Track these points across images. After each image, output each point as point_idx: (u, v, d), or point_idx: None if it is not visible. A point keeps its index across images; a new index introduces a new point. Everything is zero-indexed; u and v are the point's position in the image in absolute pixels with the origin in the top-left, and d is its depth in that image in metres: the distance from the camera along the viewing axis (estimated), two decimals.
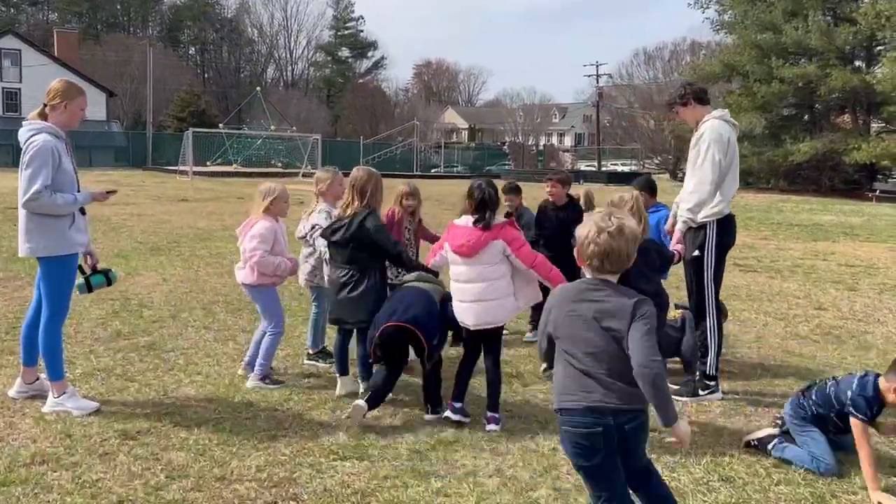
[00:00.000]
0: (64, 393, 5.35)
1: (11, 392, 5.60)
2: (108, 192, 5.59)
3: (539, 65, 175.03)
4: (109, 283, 5.81)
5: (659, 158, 71.21)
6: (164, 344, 7.22)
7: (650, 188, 7.14)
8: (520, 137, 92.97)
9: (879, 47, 42.94)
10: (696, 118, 6.07)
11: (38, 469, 4.43)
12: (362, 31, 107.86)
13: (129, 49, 73.15)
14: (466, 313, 5.21)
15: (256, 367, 6.04)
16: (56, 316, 5.34)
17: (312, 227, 6.38)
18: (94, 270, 5.71)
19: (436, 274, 5.82)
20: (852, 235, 19.65)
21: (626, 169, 64.94)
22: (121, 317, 8.21)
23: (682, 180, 38.68)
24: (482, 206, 5.18)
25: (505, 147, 77.59)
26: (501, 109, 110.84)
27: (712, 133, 5.83)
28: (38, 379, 5.63)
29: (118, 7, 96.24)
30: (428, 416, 5.37)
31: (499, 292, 5.17)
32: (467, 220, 5.26)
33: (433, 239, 7.89)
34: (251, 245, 5.94)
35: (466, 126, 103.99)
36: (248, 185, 35.38)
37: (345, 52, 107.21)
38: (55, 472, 4.41)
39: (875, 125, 44.05)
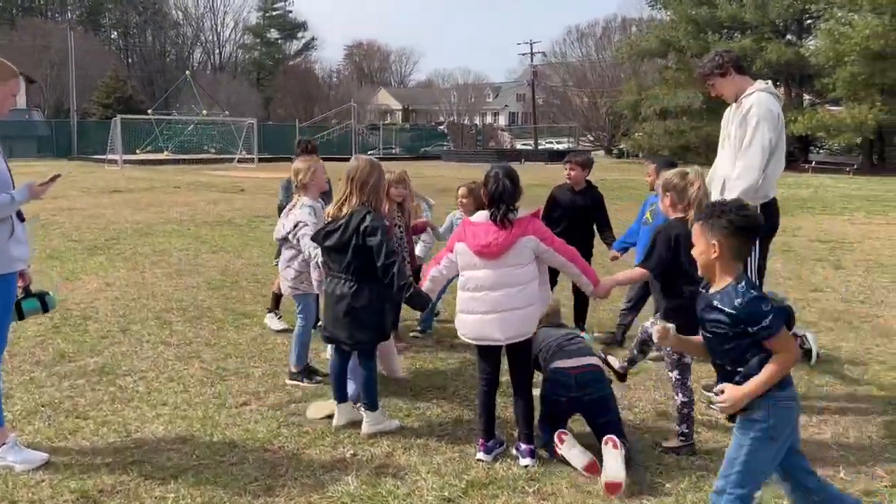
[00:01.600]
0: (4, 444, 4.33)
1: None
2: (49, 182, 4.54)
3: (470, 44, 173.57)
4: (46, 309, 4.71)
5: (593, 136, 71.34)
6: (118, 366, 6.16)
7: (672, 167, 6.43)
8: (455, 117, 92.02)
9: (809, 20, 43.33)
10: (736, 91, 5.30)
11: None
12: (291, 11, 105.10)
13: (48, 34, 69.82)
14: (491, 326, 4.35)
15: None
16: None
17: (295, 226, 5.47)
18: (28, 293, 4.66)
19: (428, 300, 4.89)
20: (807, 209, 19.48)
21: (562, 147, 64.75)
22: (62, 333, 7.10)
23: (618, 156, 38.74)
24: (497, 198, 4.35)
25: (443, 127, 76.57)
26: (434, 90, 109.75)
27: (760, 108, 5.08)
28: None
29: None
30: (526, 463, 4.40)
31: (529, 298, 4.36)
32: (485, 215, 4.42)
33: (422, 229, 7.00)
34: None
35: (400, 107, 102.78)
36: (181, 172, 33.90)
37: (273, 34, 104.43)
38: None
39: (807, 97, 44.44)
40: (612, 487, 4.02)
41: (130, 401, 5.39)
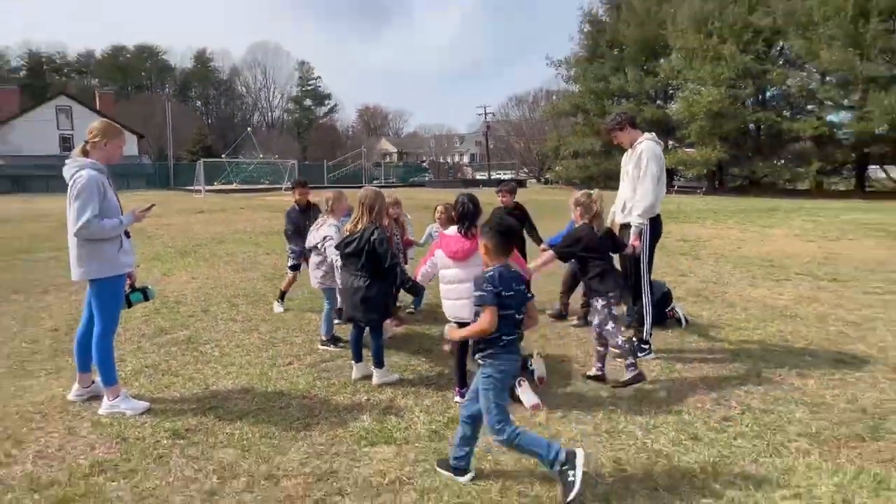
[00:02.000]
0: (118, 396, 4.15)
1: (70, 395, 4.35)
2: (147, 209, 4.33)
3: (444, 106, 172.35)
4: (147, 299, 4.51)
5: (527, 169, 71.48)
6: (200, 337, 5.94)
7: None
8: (434, 157, 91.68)
9: (672, 91, 43.46)
10: (631, 140, 5.19)
11: (97, 480, 3.26)
12: (320, 86, 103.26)
13: (153, 104, 68.42)
14: (463, 309, 4.17)
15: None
16: (107, 332, 4.12)
17: (324, 238, 5.26)
18: (133, 289, 4.46)
19: (422, 289, 4.68)
20: (673, 218, 19.27)
21: (507, 176, 64.81)
22: (161, 313, 6.86)
23: (545, 183, 38.38)
24: (463, 217, 4.22)
25: (425, 164, 76.40)
26: (419, 138, 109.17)
27: (649, 152, 4.97)
28: (93, 382, 4.38)
29: (143, 74, 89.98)
30: (458, 399, 4.22)
31: None
32: (455, 229, 4.29)
33: (409, 245, 6.78)
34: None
35: (396, 150, 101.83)
36: (245, 198, 33.22)
37: (308, 102, 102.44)
38: (114, 481, 3.24)
39: (671, 142, 44.59)
40: (534, 407, 4.11)
41: (208, 362, 5.18)
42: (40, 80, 76.20)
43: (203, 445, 3.64)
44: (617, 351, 4.59)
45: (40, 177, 41.11)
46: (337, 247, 4.68)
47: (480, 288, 3.10)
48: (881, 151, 32.97)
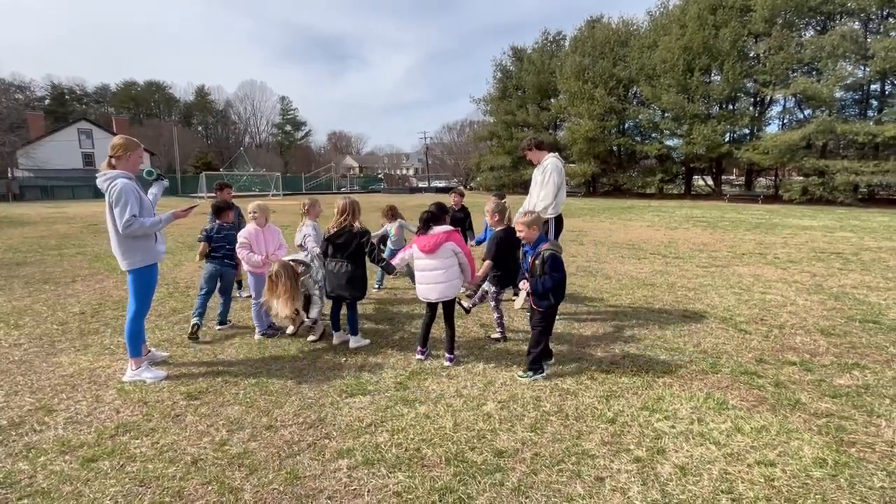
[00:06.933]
0: (140, 366, 3.77)
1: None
2: (187, 209, 3.87)
3: (394, 132, 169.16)
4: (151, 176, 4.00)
5: (457, 179, 71.64)
6: (208, 316, 5.39)
7: (501, 197, 6.14)
8: (387, 171, 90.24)
9: (560, 122, 44.23)
10: (539, 158, 5.14)
11: (122, 440, 2.92)
12: (297, 115, 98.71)
13: (161, 128, 63.57)
14: (431, 291, 3.99)
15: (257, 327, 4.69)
16: (140, 314, 3.76)
17: (304, 236, 4.94)
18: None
19: (394, 268, 4.37)
20: (566, 215, 19.77)
21: (443, 184, 64.66)
22: (174, 297, 6.32)
23: (470, 189, 37.88)
24: (427, 221, 4.04)
25: (380, 176, 75.04)
26: (376, 156, 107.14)
27: (553, 166, 4.94)
28: (149, 352, 4.06)
29: (152, 104, 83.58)
30: (418, 356, 4.07)
31: (451, 276, 4.01)
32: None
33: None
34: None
35: (357, 165, 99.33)
36: (239, 202, 31.49)
37: (288, 127, 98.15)
38: (137, 439, 2.92)
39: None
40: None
41: (216, 336, 4.79)
42: (62, 107, 69.54)
43: (213, 404, 3.34)
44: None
45: (66, 187, 37.60)
46: (327, 239, 4.37)
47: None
48: (701, 166, 34.93)
